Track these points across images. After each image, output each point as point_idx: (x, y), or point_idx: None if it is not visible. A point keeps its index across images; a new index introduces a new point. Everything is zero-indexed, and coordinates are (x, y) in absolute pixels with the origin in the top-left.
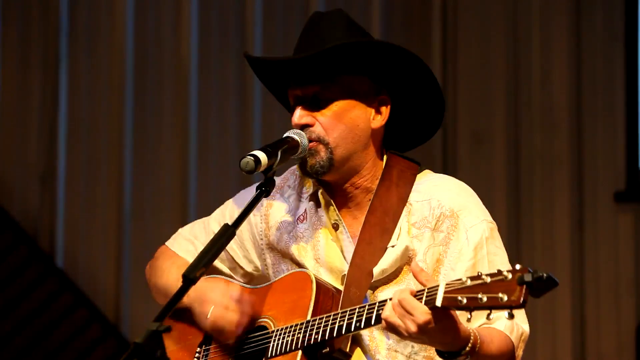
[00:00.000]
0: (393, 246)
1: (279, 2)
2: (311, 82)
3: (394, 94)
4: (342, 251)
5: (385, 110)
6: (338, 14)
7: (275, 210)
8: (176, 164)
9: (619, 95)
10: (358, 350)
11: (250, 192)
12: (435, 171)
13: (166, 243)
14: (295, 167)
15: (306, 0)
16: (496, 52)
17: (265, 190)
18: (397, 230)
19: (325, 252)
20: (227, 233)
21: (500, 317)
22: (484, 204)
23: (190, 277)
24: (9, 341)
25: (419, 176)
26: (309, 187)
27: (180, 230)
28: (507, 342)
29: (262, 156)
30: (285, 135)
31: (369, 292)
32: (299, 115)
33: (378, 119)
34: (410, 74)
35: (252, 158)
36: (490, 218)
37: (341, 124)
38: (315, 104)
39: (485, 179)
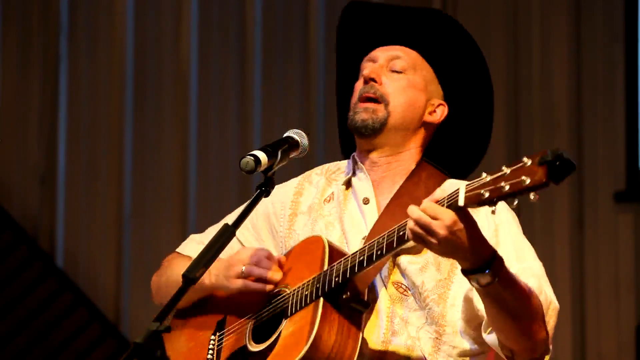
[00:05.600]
0: None
1: (279, 2)
2: (401, 42)
3: (453, 111)
4: (366, 225)
5: (441, 113)
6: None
7: (305, 198)
8: (176, 164)
9: (619, 96)
10: (375, 313)
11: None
12: None
13: (178, 249)
14: (322, 165)
15: (306, 0)
16: (496, 52)
17: (265, 190)
18: None
19: (351, 226)
20: (227, 233)
21: (529, 283)
22: None
23: (190, 277)
24: (9, 341)
25: (447, 180)
26: (339, 174)
27: (192, 235)
28: (537, 296)
29: (262, 156)
30: (285, 135)
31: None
32: (373, 68)
33: (432, 115)
34: (477, 100)
35: (252, 158)
36: (512, 210)
37: (405, 95)
38: (392, 66)
39: None
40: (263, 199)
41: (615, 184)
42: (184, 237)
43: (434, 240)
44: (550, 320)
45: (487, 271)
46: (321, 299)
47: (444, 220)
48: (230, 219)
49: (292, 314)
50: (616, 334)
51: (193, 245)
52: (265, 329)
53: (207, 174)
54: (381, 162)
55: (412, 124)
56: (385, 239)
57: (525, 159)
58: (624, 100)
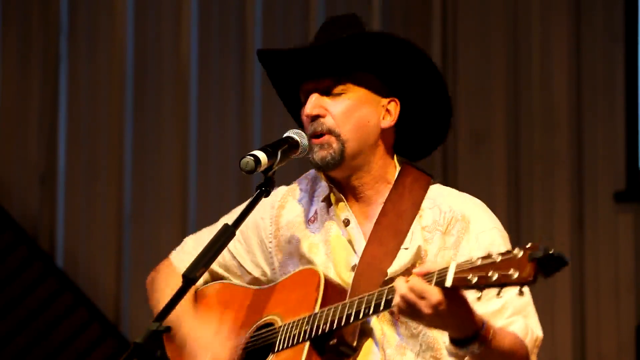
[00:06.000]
0: (406, 248)
1: (279, 2)
2: (326, 75)
3: (404, 97)
4: (352, 246)
5: (395, 111)
6: (353, 17)
7: (287, 211)
8: (176, 164)
9: (619, 95)
10: (370, 342)
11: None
12: (435, 171)
13: (171, 255)
14: (309, 172)
15: (306, 0)
16: (496, 52)
17: (265, 190)
18: (410, 234)
19: (335, 246)
20: (226, 233)
21: (514, 322)
22: (484, 203)
23: (190, 277)
24: (9, 341)
25: (431, 187)
26: (321, 190)
27: (186, 239)
28: (521, 344)
29: (262, 156)
30: (285, 135)
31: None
32: (312, 105)
33: (388, 118)
34: (421, 77)
35: (252, 158)
36: (502, 227)
37: (352, 118)
38: (328, 96)
39: (485, 179)
40: (253, 212)
41: (615, 184)
42: (184, 237)
43: (419, 318)
44: (534, 356)
45: (474, 342)
46: (307, 344)
47: (429, 299)
48: (226, 219)
49: (279, 350)
50: (616, 334)
51: (185, 257)
52: (254, 358)
53: (207, 174)
54: (355, 184)
55: (370, 140)
56: (374, 299)
57: (515, 251)
58: (624, 100)
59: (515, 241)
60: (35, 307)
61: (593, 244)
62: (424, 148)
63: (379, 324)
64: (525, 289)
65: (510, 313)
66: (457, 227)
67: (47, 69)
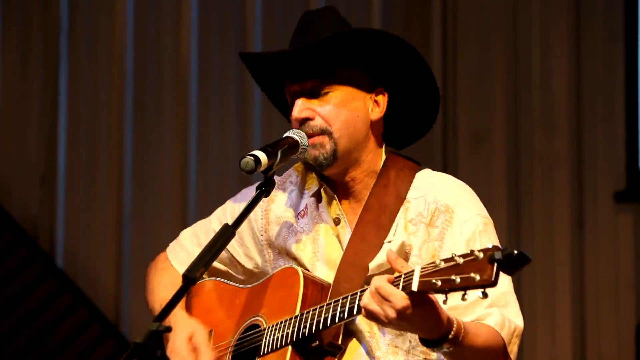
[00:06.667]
0: (390, 242)
1: (279, 2)
2: (309, 76)
3: (391, 87)
4: (341, 244)
5: (383, 102)
6: (330, 11)
7: (277, 206)
8: (176, 163)
9: (619, 95)
10: (355, 343)
11: (252, 190)
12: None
13: (167, 249)
14: (297, 164)
15: (306, 0)
16: (496, 52)
17: (265, 190)
18: (393, 227)
19: (325, 246)
20: (226, 233)
21: (491, 314)
22: (484, 203)
23: (190, 277)
24: (9, 341)
25: (417, 174)
26: (311, 184)
27: (182, 233)
28: (497, 337)
29: (262, 156)
30: (285, 135)
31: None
32: (300, 108)
33: (376, 110)
34: (405, 64)
35: (252, 158)
36: (485, 213)
37: (341, 115)
38: (315, 97)
39: (485, 179)
40: (244, 205)
41: (615, 184)
42: None
43: (384, 320)
44: (514, 346)
45: (444, 342)
46: (290, 348)
47: (395, 303)
48: (216, 217)
49: (264, 354)
50: (616, 334)
51: (180, 252)
52: None
53: (207, 174)
54: (347, 179)
55: (361, 134)
56: (348, 302)
57: (477, 253)
58: (624, 100)
59: (516, 241)
60: (35, 307)
61: (593, 244)
62: (414, 134)
63: (367, 325)
64: (506, 281)
65: (489, 303)
66: (440, 218)
67: (47, 69)
